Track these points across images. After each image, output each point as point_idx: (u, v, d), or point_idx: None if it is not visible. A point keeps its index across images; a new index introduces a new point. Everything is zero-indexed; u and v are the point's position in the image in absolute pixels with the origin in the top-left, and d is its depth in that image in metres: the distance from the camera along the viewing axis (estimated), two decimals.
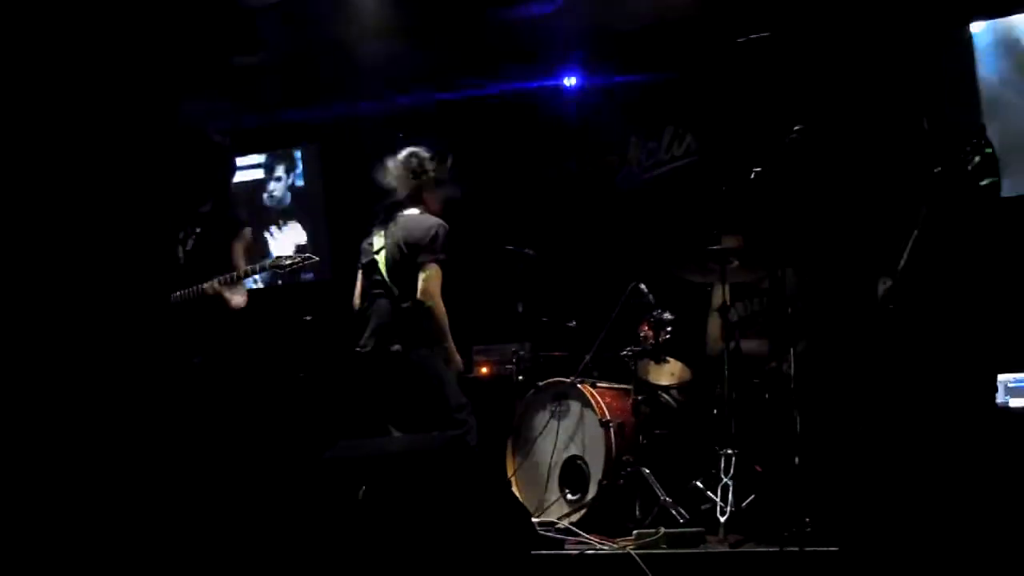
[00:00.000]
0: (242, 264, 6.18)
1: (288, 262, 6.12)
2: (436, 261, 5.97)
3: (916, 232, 5.44)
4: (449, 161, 6.26)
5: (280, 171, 9.83)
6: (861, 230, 6.84)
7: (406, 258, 6.02)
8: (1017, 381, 6.02)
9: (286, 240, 9.67)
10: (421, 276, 5.94)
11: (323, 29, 8.34)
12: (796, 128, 5.68)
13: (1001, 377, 6.02)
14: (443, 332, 5.98)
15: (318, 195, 9.61)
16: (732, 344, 6.23)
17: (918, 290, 5.55)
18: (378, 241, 6.19)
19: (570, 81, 8.64)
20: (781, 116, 6.85)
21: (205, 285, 6.05)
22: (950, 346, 5.39)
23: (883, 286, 5.75)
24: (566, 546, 5.52)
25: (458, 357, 6.06)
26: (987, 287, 5.44)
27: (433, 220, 6.09)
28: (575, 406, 6.56)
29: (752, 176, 5.82)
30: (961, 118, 7.41)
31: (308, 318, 7.86)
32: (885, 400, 5.48)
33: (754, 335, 6.72)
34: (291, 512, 5.99)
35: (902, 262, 5.44)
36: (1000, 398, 6.03)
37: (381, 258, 6.12)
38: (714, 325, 6.97)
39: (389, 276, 6.06)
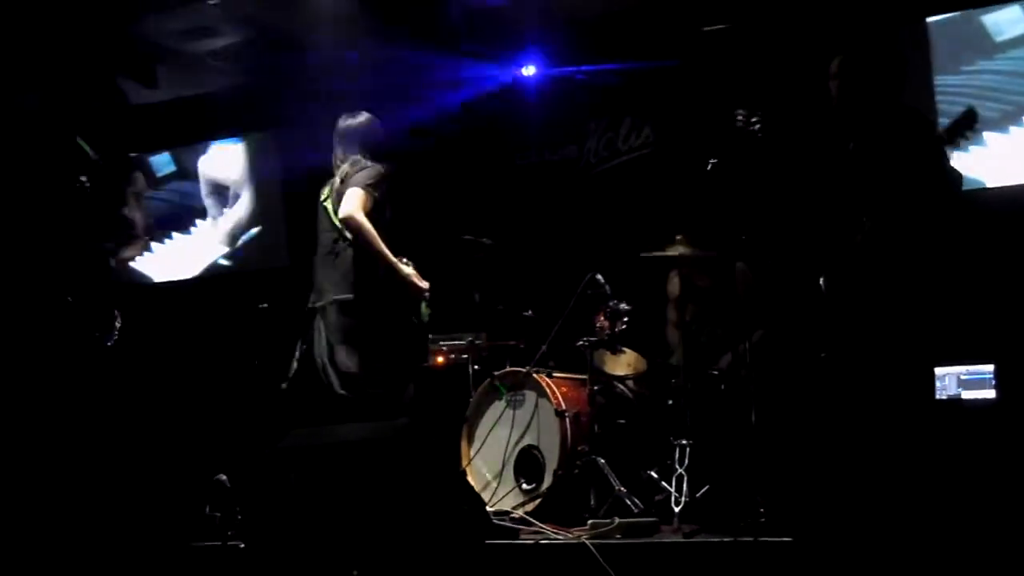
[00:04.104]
0: (139, 217, 6.09)
1: None
2: (364, 188, 5.85)
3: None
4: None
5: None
6: (813, 221, 6.87)
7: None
8: (969, 374, 6.07)
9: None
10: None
11: (280, 19, 8.29)
12: (738, 113, 5.67)
13: (954, 369, 6.08)
14: (377, 254, 5.83)
15: (275, 183, 9.56)
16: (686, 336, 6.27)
17: (866, 282, 5.59)
18: (325, 191, 6.16)
19: (528, 71, 8.63)
20: (739, 108, 6.89)
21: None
22: (894, 338, 5.43)
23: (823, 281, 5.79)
24: (521, 536, 5.52)
25: (413, 280, 5.95)
26: (932, 280, 5.49)
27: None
28: (531, 396, 6.55)
29: (708, 167, 5.83)
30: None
31: (264, 306, 7.81)
32: (836, 391, 5.52)
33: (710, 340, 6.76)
34: (246, 501, 5.97)
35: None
36: (952, 390, 6.08)
37: (329, 205, 6.08)
38: (672, 316, 6.99)
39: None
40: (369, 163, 5.98)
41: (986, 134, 7.09)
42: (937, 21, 7.40)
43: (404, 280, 5.91)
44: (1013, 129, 7.09)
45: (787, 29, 7.64)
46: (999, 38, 7.22)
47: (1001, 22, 7.19)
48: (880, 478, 4.97)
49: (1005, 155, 7.08)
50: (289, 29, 8.37)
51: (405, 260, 6.00)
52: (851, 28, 7.50)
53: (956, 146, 5.48)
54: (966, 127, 5.37)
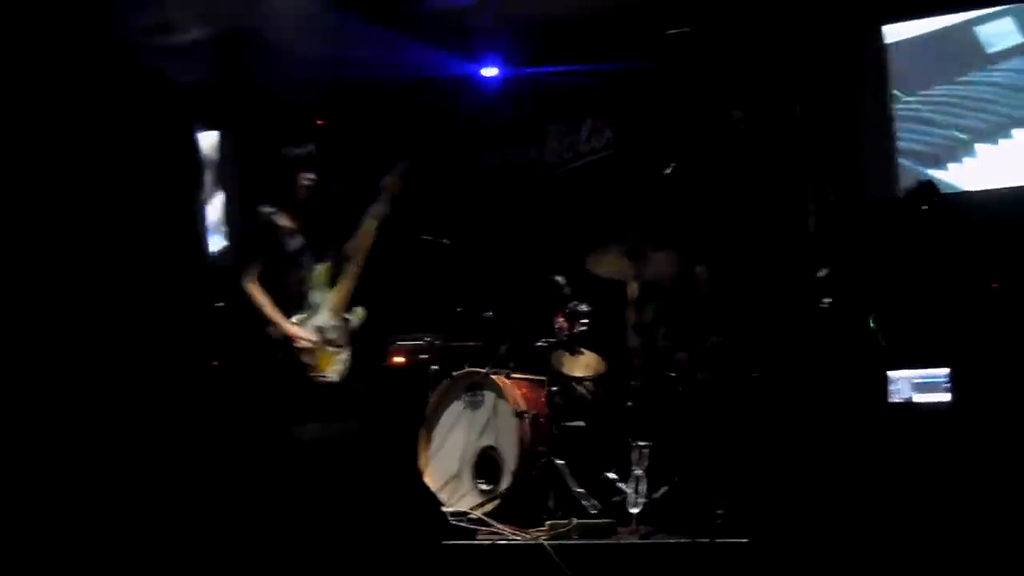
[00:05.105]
0: None
1: None
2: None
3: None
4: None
5: None
6: (772, 227, 6.91)
7: None
8: (922, 378, 6.12)
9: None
10: None
11: (240, 16, 8.23)
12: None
13: (907, 373, 6.12)
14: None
15: (232, 183, 9.50)
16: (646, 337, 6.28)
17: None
18: None
19: (490, 72, 8.63)
20: (700, 112, 6.93)
21: None
22: (848, 343, 5.49)
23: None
24: (478, 536, 5.52)
25: (282, 328, 6.12)
26: (883, 288, 5.55)
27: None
28: (489, 397, 6.54)
29: (667, 171, 5.86)
30: (874, 118, 7.55)
31: (220, 304, 7.75)
32: (792, 395, 5.57)
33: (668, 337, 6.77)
34: (204, 502, 5.93)
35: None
36: (906, 394, 6.13)
37: None
38: (632, 319, 7.00)
39: None
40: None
41: (976, 145, 7.19)
42: (931, 33, 7.49)
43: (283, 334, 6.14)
44: (1002, 141, 7.18)
45: (749, 33, 7.68)
46: (991, 50, 7.30)
47: (993, 34, 7.28)
48: (835, 480, 5.01)
49: (992, 166, 7.18)
50: (249, 26, 8.32)
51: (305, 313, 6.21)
52: (810, 34, 7.57)
53: (915, 212, 5.54)
54: (924, 199, 5.41)
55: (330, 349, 6.14)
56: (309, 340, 6.08)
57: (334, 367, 6.14)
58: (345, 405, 6.07)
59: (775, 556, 4.56)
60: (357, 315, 6.29)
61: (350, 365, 6.20)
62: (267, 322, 6.10)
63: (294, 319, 6.13)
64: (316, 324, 6.16)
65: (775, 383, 5.86)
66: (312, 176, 6.23)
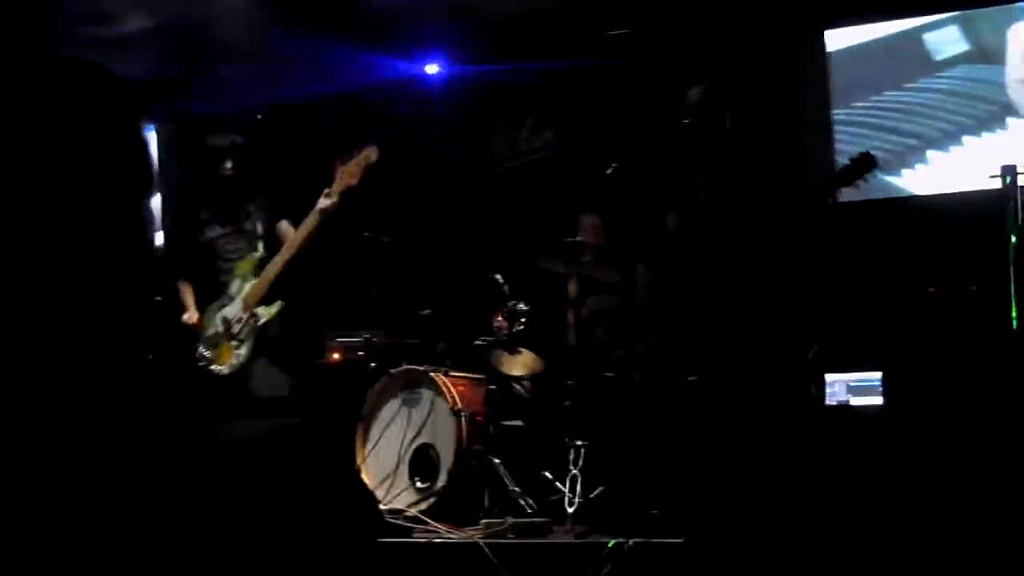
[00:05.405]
0: None
1: None
2: None
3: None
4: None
5: None
6: (712, 231, 6.95)
7: None
8: (858, 381, 6.19)
9: None
10: None
11: (181, 10, 8.16)
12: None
13: (843, 376, 6.19)
14: None
15: (172, 179, 9.41)
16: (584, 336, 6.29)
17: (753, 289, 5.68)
18: None
19: (432, 69, 8.61)
20: (641, 113, 6.95)
21: None
22: (782, 344, 5.53)
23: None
24: (414, 534, 5.50)
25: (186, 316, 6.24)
26: (816, 289, 5.59)
27: None
28: (427, 394, 6.52)
29: (608, 172, 5.87)
30: (815, 124, 7.62)
31: (159, 299, 7.68)
32: (728, 395, 5.60)
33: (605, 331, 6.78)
34: (140, 500, 5.86)
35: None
36: (842, 396, 6.20)
37: None
38: (571, 319, 7.02)
39: None
40: None
41: (928, 152, 7.28)
42: (881, 39, 7.57)
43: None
44: (953, 148, 7.27)
45: (688, 36, 7.72)
46: (938, 57, 7.39)
47: (940, 41, 7.36)
48: (770, 480, 5.05)
49: (944, 172, 7.27)
50: (190, 18, 8.24)
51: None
52: (748, 40, 7.62)
53: (851, 187, 5.53)
54: (861, 172, 5.43)
55: (232, 342, 6.11)
56: (193, 324, 6.14)
57: (229, 361, 6.12)
58: (231, 400, 6.06)
59: (710, 557, 4.58)
60: (269, 311, 6.17)
61: (244, 361, 6.14)
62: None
63: (210, 308, 6.17)
64: (224, 315, 6.16)
65: (712, 384, 5.89)
66: (231, 165, 6.16)
